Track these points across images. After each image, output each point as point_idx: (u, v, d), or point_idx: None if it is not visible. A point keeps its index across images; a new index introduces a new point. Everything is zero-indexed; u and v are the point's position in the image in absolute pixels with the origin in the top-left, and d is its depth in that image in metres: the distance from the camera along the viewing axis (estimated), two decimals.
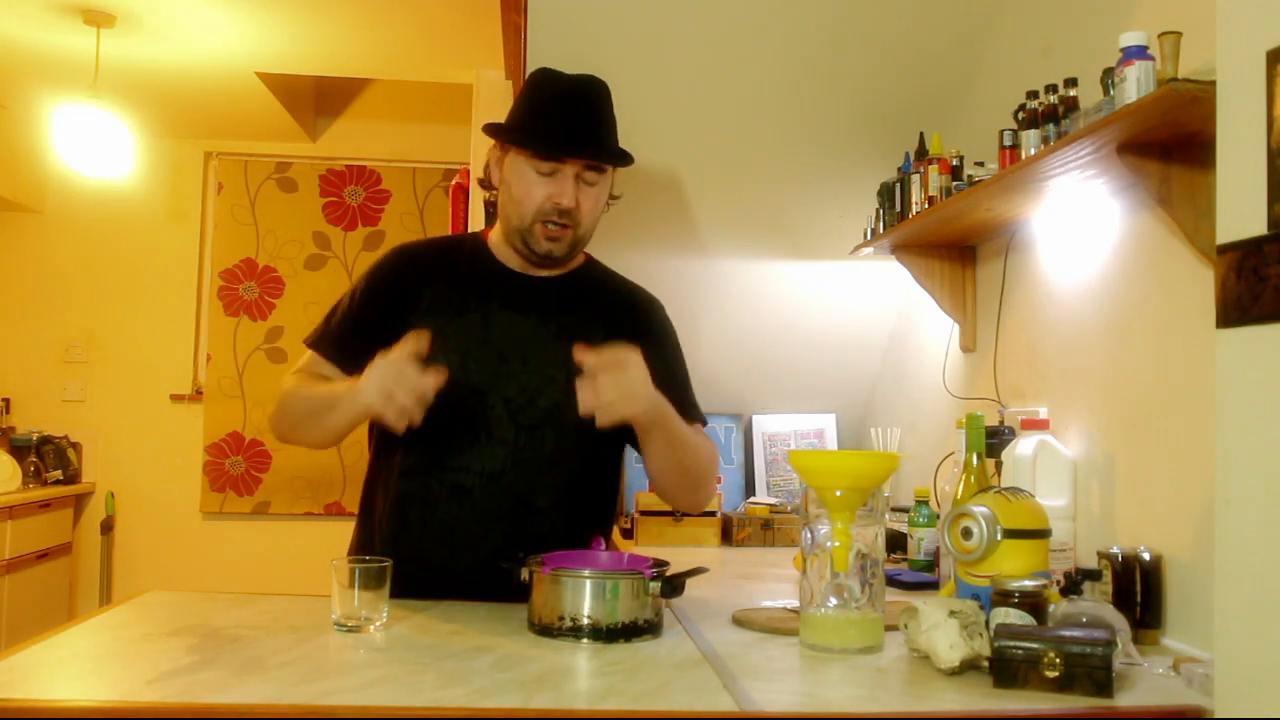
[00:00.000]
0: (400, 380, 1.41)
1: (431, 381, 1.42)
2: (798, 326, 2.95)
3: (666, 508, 2.62)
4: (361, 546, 1.70)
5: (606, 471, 1.75)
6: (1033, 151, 1.71)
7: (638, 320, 1.73)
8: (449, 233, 3.68)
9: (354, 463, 4.48)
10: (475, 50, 3.52)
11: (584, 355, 1.41)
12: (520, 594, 1.44)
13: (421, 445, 1.60)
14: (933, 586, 1.93)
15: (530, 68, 2.35)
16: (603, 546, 1.54)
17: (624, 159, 1.64)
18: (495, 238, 1.72)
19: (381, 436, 1.68)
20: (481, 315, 1.65)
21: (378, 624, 1.39)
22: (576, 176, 1.59)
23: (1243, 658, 1.02)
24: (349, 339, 1.66)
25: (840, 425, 3.12)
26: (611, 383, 1.41)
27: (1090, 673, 1.17)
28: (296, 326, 4.65)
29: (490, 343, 1.63)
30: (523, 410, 1.61)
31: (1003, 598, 1.32)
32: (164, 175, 4.71)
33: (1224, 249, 1.04)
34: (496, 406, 1.61)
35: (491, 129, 1.66)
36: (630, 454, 2.94)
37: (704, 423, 1.75)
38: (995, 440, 1.88)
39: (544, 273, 1.69)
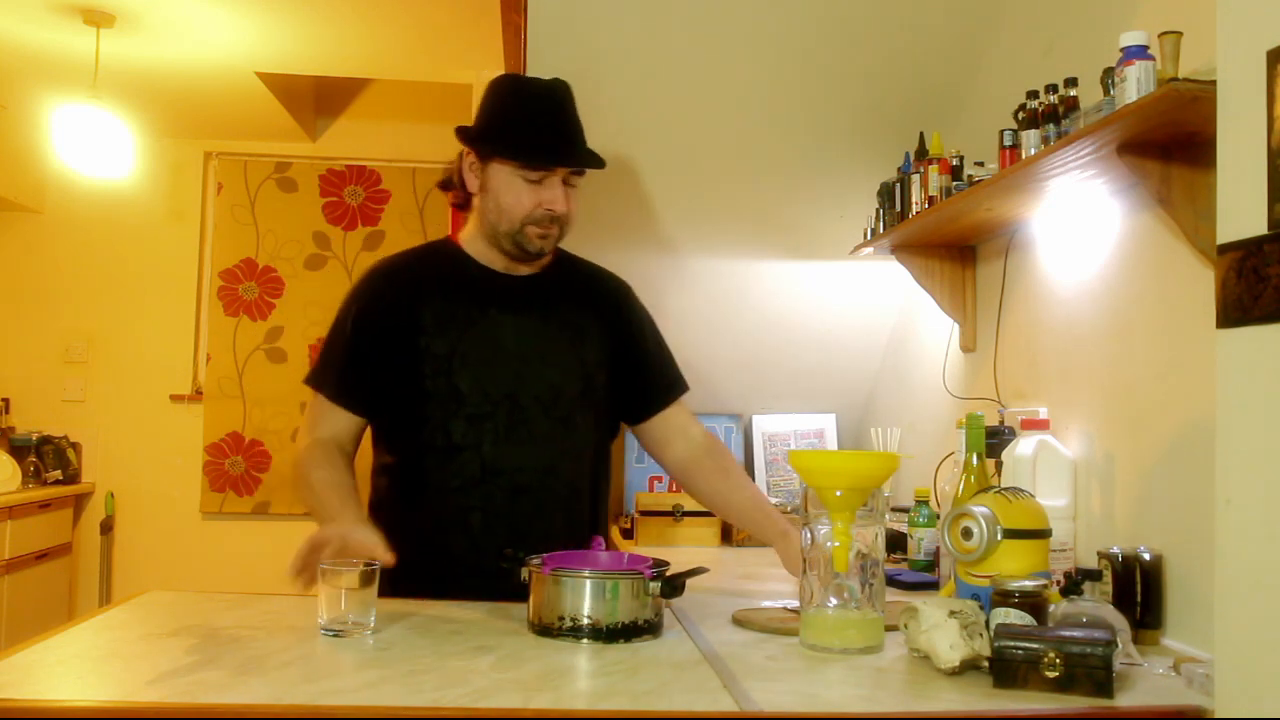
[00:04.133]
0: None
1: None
2: (798, 326, 2.95)
3: (667, 508, 2.67)
4: (401, 565, 1.66)
5: (609, 451, 1.87)
6: (1033, 151, 1.71)
7: (620, 306, 1.85)
8: (449, 232, 3.69)
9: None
10: (475, 50, 3.52)
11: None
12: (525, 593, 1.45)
13: (468, 456, 1.64)
14: (933, 586, 1.93)
15: (530, 68, 2.35)
16: (603, 546, 1.54)
17: (600, 163, 1.71)
18: (470, 242, 1.75)
19: (413, 454, 1.68)
20: (488, 323, 1.69)
21: (367, 630, 1.36)
22: (562, 182, 1.66)
23: (1243, 658, 1.02)
24: (351, 375, 1.70)
25: (840, 425, 3.12)
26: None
27: (1090, 673, 1.17)
28: (296, 326, 4.65)
29: (508, 348, 1.69)
30: (554, 404, 1.69)
31: (1003, 598, 1.32)
32: (164, 175, 4.71)
33: (1224, 249, 1.04)
34: (531, 406, 1.67)
35: (471, 138, 1.68)
36: (629, 454, 2.98)
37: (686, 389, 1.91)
38: (995, 440, 1.88)
39: (525, 270, 1.75)
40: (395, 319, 1.67)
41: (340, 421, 1.69)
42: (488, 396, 1.65)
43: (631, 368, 1.82)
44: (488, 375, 1.66)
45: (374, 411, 1.71)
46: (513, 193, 1.64)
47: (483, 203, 1.69)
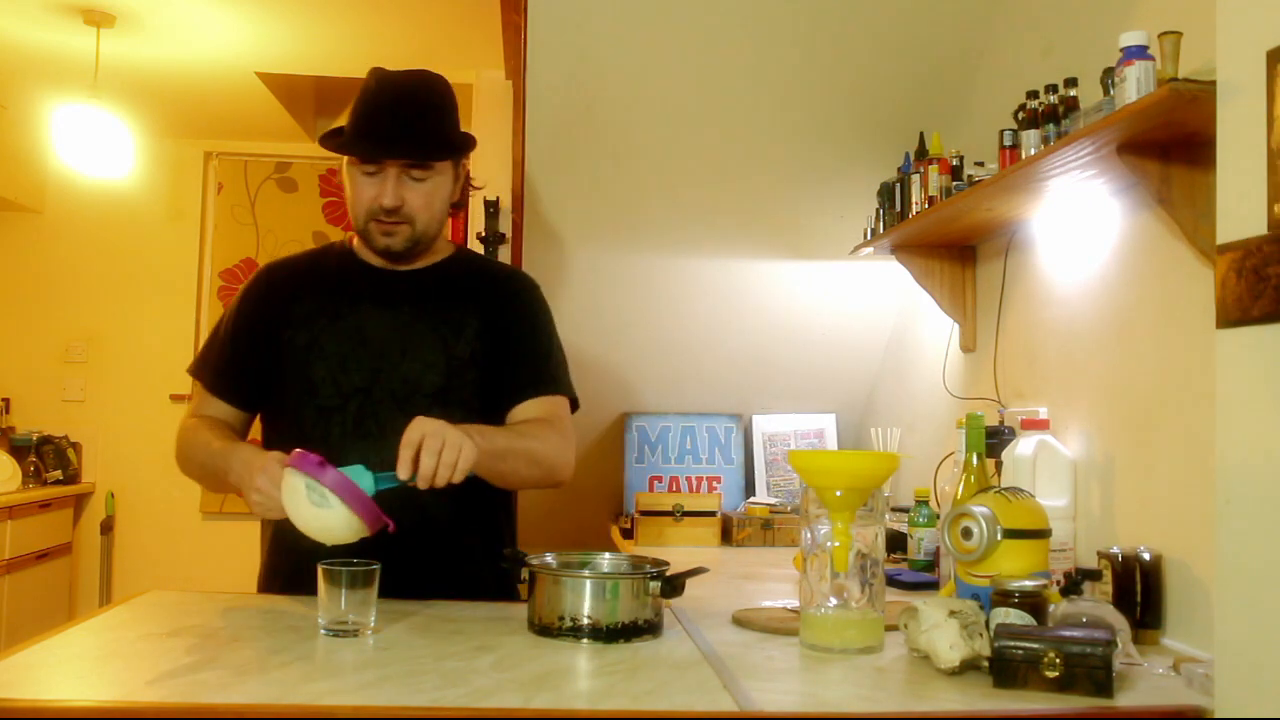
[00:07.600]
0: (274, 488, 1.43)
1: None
2: (798, 326, 2.95)
3: (666, 508, 2.66)
4: (277, 549, 1.69)
5: None
6: (1033, 151, 1.71)
7: (508, 300, 1.74)
8: (451, 233, 3.71)
9: None
10: (475, 50, 3.51)
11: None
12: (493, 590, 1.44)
13: (318, 449, 1.49)
14: (933, 586, 1.93)
15: (530, 67, 2.36)
16: (317, 461, 1.38)
17: (441, 154, 1.63)
18: (359, 241, 1.74)
19: (277, 444, 1.63)
20: (355, 317, 1.67)
21: (367, 630, 1.36)
22: (400, 175, 1.61)
23: (1243, 658, 1.02)
24: (226, 369, 1.71)
25: (840, 425, 3.12)
26: (429, 454, 1.38)
27: (1090, 673, 1.17)
28: None
29: (368, 342, 1.65)
30: (408, 399, 1.62)
31: (1003, 598, 1.32)
32: (164, 175, 4.71)
33: (1224, 249, 1.05)
34: (383, 401, 1.63)
35: (325, 138, 1.69)
36: (629, 454, 2.93)
37: (567, 397, 1.72)
38: (995, 440, 1.88)
39: (411, 266, 1.71)
40: (267, 314, 1.68)
41: (219, 409, 1.71)
42: (339, 389, 1.63)
43: (499, 360, 1.69)
44: (341, 368, 1.63)
45: (248, 404, 1.72)
46: (354, 187, 1.64)
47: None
